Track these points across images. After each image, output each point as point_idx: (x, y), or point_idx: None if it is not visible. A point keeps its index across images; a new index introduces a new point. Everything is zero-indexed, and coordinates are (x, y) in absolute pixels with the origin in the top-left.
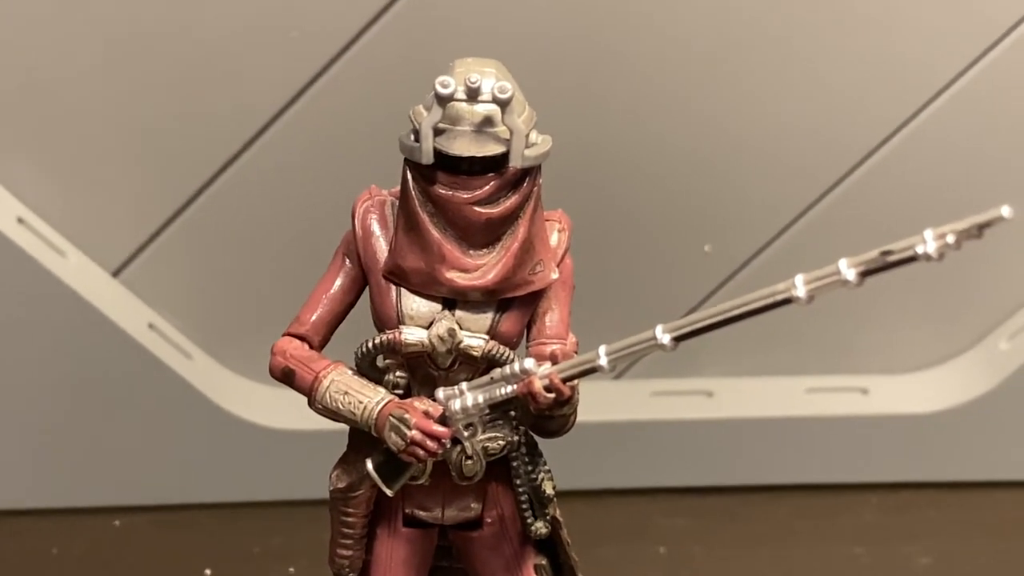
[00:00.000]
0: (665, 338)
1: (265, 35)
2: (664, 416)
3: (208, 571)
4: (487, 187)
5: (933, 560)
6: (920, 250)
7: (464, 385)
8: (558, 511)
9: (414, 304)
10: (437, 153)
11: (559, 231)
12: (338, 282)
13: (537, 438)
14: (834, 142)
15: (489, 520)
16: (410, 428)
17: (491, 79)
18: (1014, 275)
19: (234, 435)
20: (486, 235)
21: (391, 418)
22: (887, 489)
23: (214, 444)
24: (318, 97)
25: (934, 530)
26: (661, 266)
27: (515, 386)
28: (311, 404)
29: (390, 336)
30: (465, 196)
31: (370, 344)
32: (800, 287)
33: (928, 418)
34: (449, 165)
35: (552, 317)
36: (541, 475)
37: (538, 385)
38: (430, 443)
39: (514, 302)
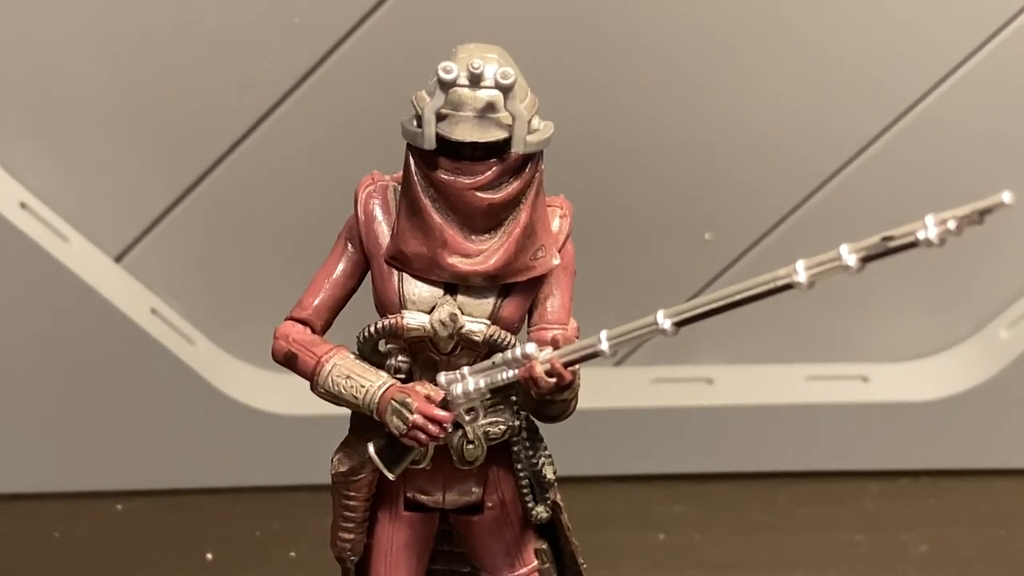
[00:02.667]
0: (666, 323)
1: (267, 21)
2: (664, 403)
3: (209, 555)
4: (489, 173)
5: (931, 547)
6: (921, 236)
7: (466, 369)
8: (559, 496)
9: (416, 289)
10: (439, 138)
11: (561, 217)
12: (340, 267)
13: (538, 423)
14: (836, 129)
15: (490, 504)
16: (412, 412)
17: (494, 65)
18: (1015, 263)
19: (236, 420)
20: (488, 220)
21: (393, 402)
22: (886, 477)
23: (216, 429)
24: (321, 83)
25: (933, 518)
26: (662, 254)
27: (516, 371)
28: (313, 388)
29: (392, 321)
30: (467, 181)
31: (372, 329)
32: (801, 272)
33: (928, 406)
34: (451, 151)
35: (553, 302)
36: (542, 460)
37: (539, 370)
38: (432, 427)
39: (516, 287)
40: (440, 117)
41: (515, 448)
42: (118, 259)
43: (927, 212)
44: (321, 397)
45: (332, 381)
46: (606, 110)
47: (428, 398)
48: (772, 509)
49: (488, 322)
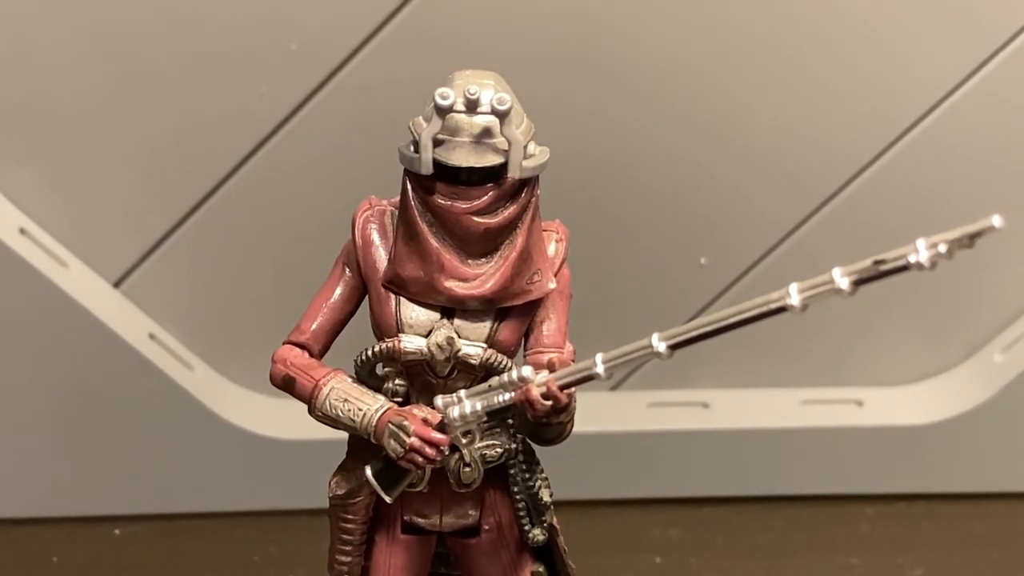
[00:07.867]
0: (661, 346)
1: (265, 48)
2: (660, 427)
3: None
4: (485, 197)
5: (926, 571)
6: (912, 259)
7: (462, 393)
8: (555, 519)
9: (413, 313)
10: (436, 164)
11: (557, 241)
12: (338, 291)
13: (534, 446)
14: (830, 154)
15: (487, 527)
16: (409, 435)
17: (490, 91)
18: (1008, 287)
19: (233, 445)
20: (484, 245)
21: (390, 425)
22: (882, 500)
23: (214, 454)
24: (318, 108)
25: (928, 541)
26: (657, 278)
27: (513, 393)
28: (311, 411)
29: (389, 344)
30: (464, 206)
31: (369, 352)
32: (794, 296)
33: (922, 430)
34: (448, 176)
35: (550, 326)
36: (538, 482)
37: (536, 392)
38: (428, 450)
39: (512, 311)
40: (437, 142)
41: (512, 471)
42: (116, 284)
43: (922, 235)
44: (319, 420)
45: (330, 404)
46: (602, 135)
47: (425, 421)
48: (768, 533)
49: (485, 345)
